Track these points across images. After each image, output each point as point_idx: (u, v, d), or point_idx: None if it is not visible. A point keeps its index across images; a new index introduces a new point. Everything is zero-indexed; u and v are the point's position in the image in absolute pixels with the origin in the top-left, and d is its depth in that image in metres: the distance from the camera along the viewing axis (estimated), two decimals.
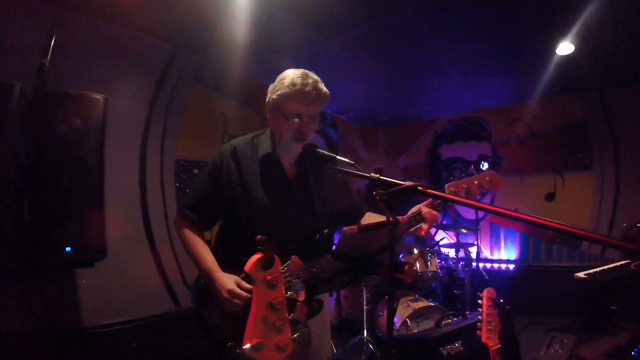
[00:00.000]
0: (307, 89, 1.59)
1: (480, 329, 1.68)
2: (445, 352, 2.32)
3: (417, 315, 3.41)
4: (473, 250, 5.00)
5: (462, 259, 4.74)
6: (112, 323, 3.01)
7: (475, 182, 1.64)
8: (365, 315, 3.70)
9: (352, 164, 1.44)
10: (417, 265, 3.86)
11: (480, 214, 5.94)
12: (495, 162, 6.01)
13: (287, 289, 0.95)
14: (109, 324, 2.99)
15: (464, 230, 4.65)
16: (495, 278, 5.59)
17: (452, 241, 5.00)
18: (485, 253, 5.96)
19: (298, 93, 1.60)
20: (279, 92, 1.63)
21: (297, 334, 0.93)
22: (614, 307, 3.66)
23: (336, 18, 3.24)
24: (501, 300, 1.78)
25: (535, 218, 1.03)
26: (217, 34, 3.32)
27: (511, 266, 5.76)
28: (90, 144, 2.48)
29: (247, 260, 0.89)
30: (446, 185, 1.64)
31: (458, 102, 5.75)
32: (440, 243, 5.22)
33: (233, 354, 0.81)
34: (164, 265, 3.50)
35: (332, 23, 3.32)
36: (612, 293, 3.66)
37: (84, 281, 2.87)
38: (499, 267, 5.84)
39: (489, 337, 1.64)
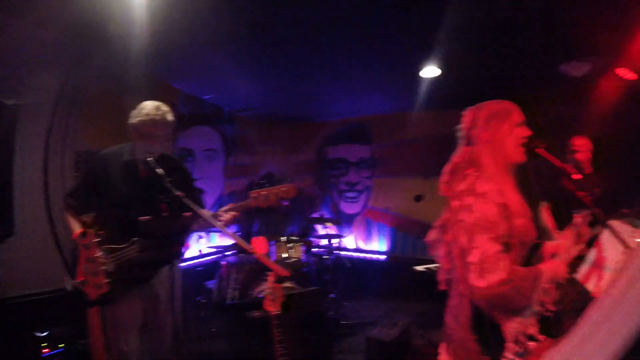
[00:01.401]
0: (158, 118, 2.23)
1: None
2: (250, 316, 2.93)
3: None
4: (344, 241, 5.62)
5: (334, 248, 5.34)
6: (20, 295, 3.33)
7: (274, 191, 2.15)
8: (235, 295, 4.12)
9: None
10: (284, 253, 4.39)
11: (355, 209, 6.76)
12: (373, 164, 6.80)
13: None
14: (18, 296, 3.31)
15: (328, 224, 5.26)
16: (368, 266, 6.49)
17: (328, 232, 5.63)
18: (360, 244, 6.77)
19: (151, 121, 2.22)
20: (138, 119, 2.24)
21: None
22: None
23: (219, 33, 3.58)
24: (280, 277, 2.31)
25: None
26: (118, 34, 3.46)
27: (382, 257, 6.60)
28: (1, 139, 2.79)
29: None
30: (250, 192, 2.16)
31: (346, 107, 6.39)
32: (321, 233, 5.83)
33: (69, 284, 1.59)
34: (61, 245, 3.79)
35: (217, 36, 3.65)
36: None
37: None
38: (371, 257, 6.67)
39: (269, 305, 2.19)
